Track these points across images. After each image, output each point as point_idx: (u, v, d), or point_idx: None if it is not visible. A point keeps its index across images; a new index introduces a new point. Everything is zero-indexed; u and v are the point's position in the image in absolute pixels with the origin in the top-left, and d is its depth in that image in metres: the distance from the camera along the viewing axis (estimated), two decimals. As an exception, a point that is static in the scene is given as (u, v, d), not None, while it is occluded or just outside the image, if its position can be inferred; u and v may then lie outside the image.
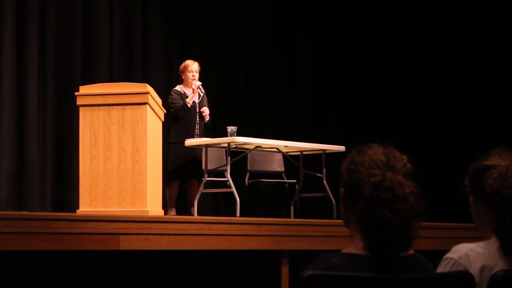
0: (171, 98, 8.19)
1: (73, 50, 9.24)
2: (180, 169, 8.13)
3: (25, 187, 8.73)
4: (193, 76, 8.28)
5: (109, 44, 9.61)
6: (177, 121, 8.17)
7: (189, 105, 8.19)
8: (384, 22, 11.16)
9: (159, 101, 7.00)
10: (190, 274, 5.37)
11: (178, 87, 8.33)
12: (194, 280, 5.32)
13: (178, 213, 8.21)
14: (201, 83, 8.30)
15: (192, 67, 8.30)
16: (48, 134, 9.04)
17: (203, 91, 8.37)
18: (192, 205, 8.10)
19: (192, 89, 8.26)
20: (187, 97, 8.23)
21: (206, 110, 8.30)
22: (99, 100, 6.53)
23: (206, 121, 8.30)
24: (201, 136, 8.24)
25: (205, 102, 8.37)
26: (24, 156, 8.75)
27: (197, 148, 8.21)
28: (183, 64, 8.40)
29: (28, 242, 4.43)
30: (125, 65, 9.73)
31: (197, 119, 8.27)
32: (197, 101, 8.29)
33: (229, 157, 7.91)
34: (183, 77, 8.34)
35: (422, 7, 10.83)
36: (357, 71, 11.31)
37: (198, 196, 8.02)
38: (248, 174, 8.92)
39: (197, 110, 8.28)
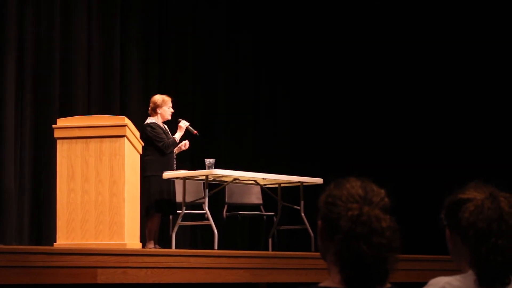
0: (156, 132, 8.06)
1: (51, 81, 9.21)
2: (163, 202, 8.08)
3: (2, 219, 8.65)
4: (172, 112, 8.29)
5: (87, 76, 9.59)
6: (164, 155, 8.12)
7: (177, 142, 8.23)
8: (362, 53, 11.25)
9: (137, 133, 7.00)
10: (167, 308, 5.34)
11: (155, 120, 8.26)
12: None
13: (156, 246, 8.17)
14: (189, 123, 8.36)
15: (170, 103, 8.30)
16: (25, 166, 8.98)
17: (195, 132, 8.42)
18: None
19: (179, 127, 8.29)
20: (166, 131, 8.24)
21: (187, 144, 8.36)
22: (76, 133, 6.51)
23: (177, 152, 8.38)
24: (176, 169, 8.25)
25: None
26: (1, 189, 8.68)
27: (171, 181, 8.19)
28: (161, 99, 8.27)
29: (4, 276, 4.40)
30: (103, 97, 9.71)
31: (174, 154, 8.29)
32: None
33: (207, 190, 7.90)
34: (159, 111, 8.25)
35: (392, 28, 10.94)
36: (336, 103, 11.36)
37: (176, 229, 8.00)
38: (226, 206, 8.92)
39: None
